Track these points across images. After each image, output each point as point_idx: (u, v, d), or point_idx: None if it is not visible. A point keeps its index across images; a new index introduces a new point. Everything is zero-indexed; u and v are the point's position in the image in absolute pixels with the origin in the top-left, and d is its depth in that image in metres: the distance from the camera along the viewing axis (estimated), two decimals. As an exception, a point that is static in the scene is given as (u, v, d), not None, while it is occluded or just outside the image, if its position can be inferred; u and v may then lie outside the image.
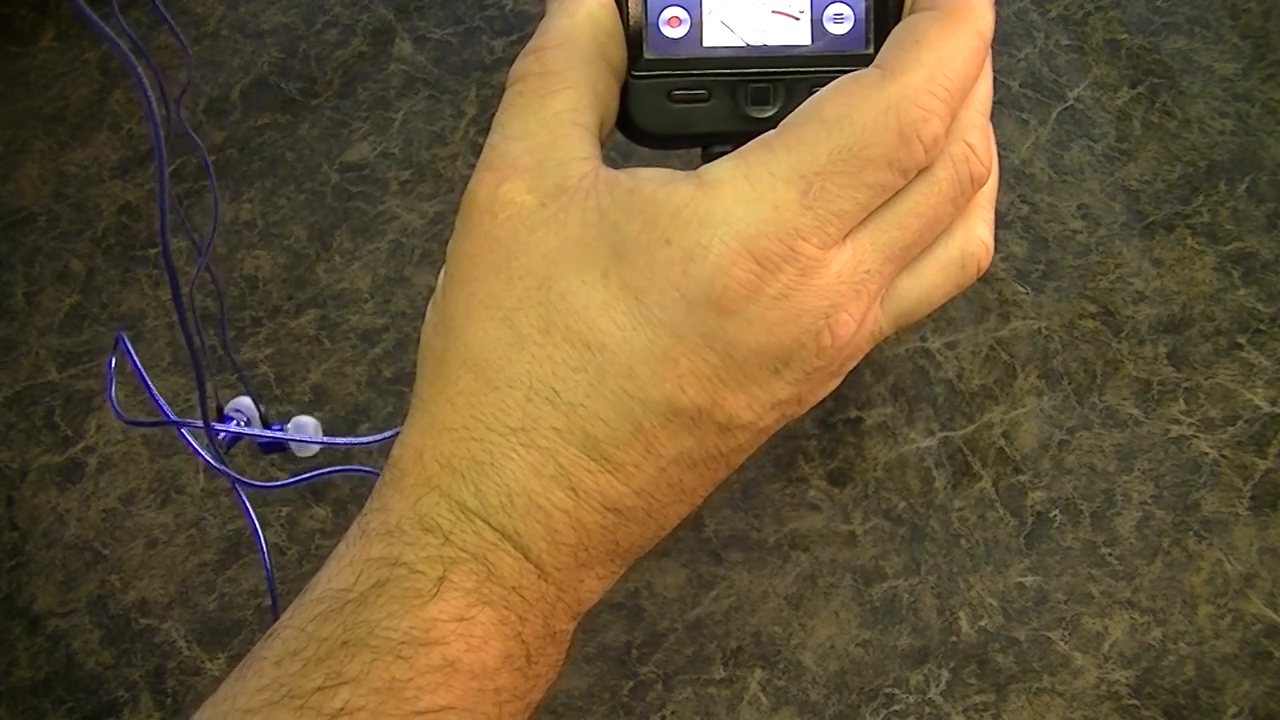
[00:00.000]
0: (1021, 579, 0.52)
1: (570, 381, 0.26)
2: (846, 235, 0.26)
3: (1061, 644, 0.50)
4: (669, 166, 0.28)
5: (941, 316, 0.59)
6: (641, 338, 0.26)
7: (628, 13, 0.30)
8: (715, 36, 0.31)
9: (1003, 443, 0.56)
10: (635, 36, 0.30)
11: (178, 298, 0.32)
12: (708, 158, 0.30)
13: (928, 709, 0.49)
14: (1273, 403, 0.57)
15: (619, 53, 0.29)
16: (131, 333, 0.61)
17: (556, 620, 0.27)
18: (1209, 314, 0.59)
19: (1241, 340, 0.58)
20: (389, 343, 0.59)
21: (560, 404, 0.27)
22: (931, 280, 0.28)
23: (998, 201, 0.66)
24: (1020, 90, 0.67)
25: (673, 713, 0.52)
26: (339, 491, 0.56)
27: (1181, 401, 0.57)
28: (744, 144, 0.27)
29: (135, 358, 0.39)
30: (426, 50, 0.69)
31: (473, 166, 0.55)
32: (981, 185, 0.28)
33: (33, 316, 0.61)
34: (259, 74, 0.69)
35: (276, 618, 0.28)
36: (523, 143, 0.28)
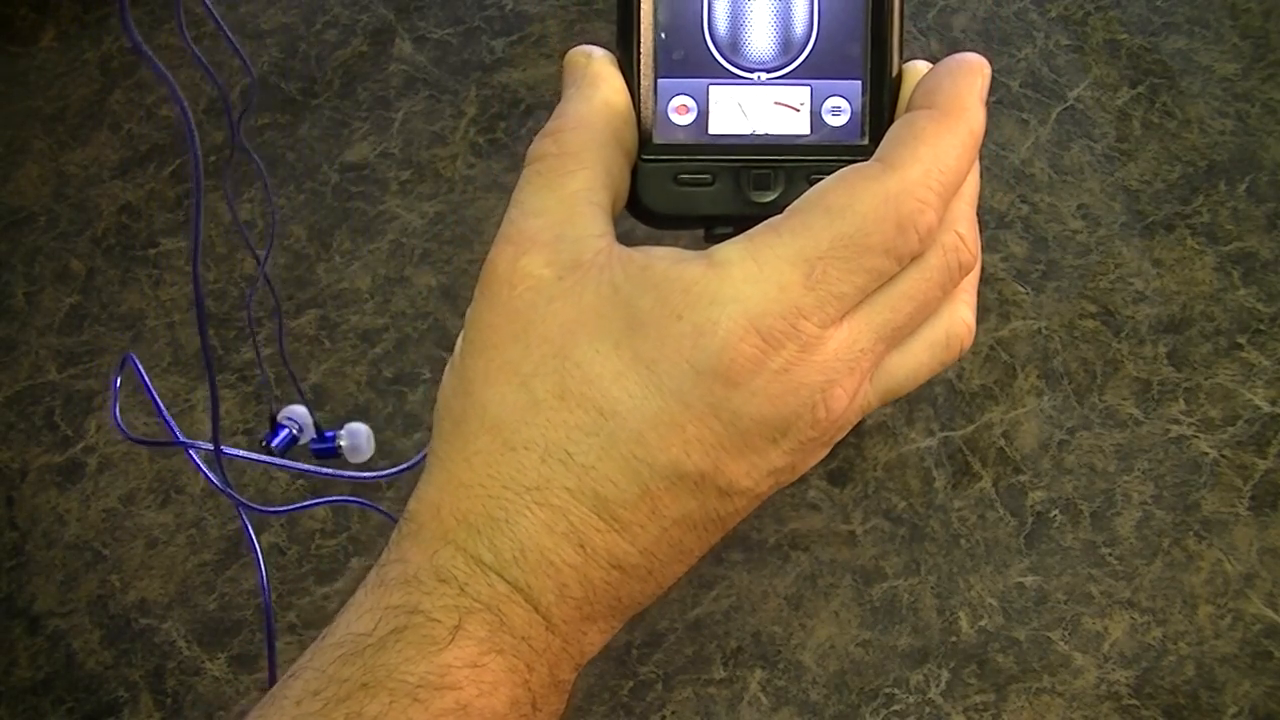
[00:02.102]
0: (1021, 579, 0.52)
1: (583, 444, 0.28)
2: (844, 316, 0.28)
3: (1061, 644, 0.50)
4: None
5: (941, 316, 0.59)
6: (652, 405, 0.28)
7: (639, 100, 0.32)
8: (721, 124, 0.33)
9: (1003, 443, 0.56)
10: (645, 122, 0.32)
11: (203, 330, 0.32)
12: (711, 239, 0.31)
13: (928, 709, 0.49)
14: (1273, 403, 0.57)
15: (631, 136, 0.31)
16: (131, 333, 0.61)
17: (561, 670, 0.29)
18: (1209, 314, 0.59)
19: (1241, 340, 0.58)
20: (389, 343, 0.59)
21: (573, 465, 0.28)
22: (918, 358, 0.30)
23: (998, 202, 0.66)
24: (1020, 90, 0.67)
25: (673, 713, 0.52)
26: (339, 492, 0.56)
27: (1181, 401, 0.57)
28: (745, 227, 0.29)
29: (147, 379, 0.39)
30: (426, 50, 0.69)
31: (472, 166, 0.57)
32: (969, 272, 0.30)
33: (33, 316, 0.61)
34: (259, 74, 0.69)
35: (270, 637, 0.29)
36: (541, 219, 0.30)
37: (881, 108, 0.32)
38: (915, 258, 0.28)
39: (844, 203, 0.27)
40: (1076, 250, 0.62)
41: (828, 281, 0.27)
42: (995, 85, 0.67)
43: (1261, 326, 0.59)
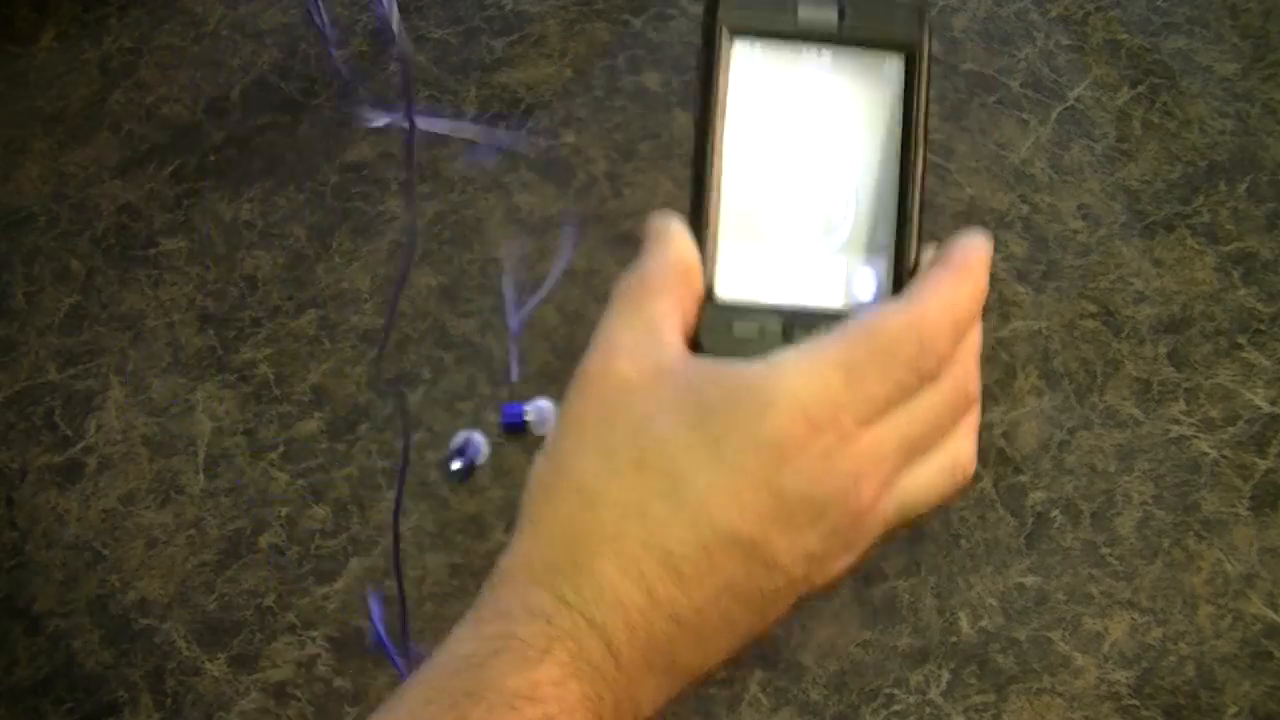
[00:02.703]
0: (1021, 579, 0.52)
1: (656, 505, 0.34)
2: (874, 421, 0.33)
3: (1061, 644, 0.50)
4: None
5: (941, 316, 0.59)
6: (716, 474, 0.33)
7: (705, 262, 0.38)
8: (770, 289, 0.38)
9: (1003, 443, 0.56)
10: (708, 279, 0.39)
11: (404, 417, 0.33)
12: None
13: (928, 709, 0.49)
14: (1273, 403, 0.57)
15: (698, 281, 0.38)
16: (131, 333, 0.61)
17: (623, 712, 0.33)
18: (1209, 314, 0.59)
19: (1241, 340, 0.58)
20: (389, 343, 0.59)
21: (647, 522, 0.34)
22: (929, 479, 0.35)
23: (998, 202, 0.66)
24: (1020, 90, 0.67)
25: (673, 713, 0.52)
26: (339, 492, 0.56)
27: (1181, 401, 0.57)
28: None
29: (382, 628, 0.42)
30: (426, 50, 0.69)
31: (473, 167, 0.58)
32: (973, 403, 0.35)
33: (33, 316, 0.61)
34: (259, 74, 0.69)
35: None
36: (626, 334, 0.36)
37: (903, 282, 0.38)
38: (931, 381, 0.33)
39: (879, 325, 0.33)
40: (1076, 250, 0.62)
41: (863, 384, 0.33)
42: (995, 85, 0.67)
43: (1261, 326, 0.59)
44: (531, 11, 0.71)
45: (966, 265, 0.34)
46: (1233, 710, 0.49)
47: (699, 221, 0.38)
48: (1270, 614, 0.51)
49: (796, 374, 0.33)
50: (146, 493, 0.56)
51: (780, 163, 0.39)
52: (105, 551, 0.55)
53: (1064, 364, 0.58)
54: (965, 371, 0.34)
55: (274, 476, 0.56)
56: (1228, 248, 0.61)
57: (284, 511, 0.55)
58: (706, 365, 0.34)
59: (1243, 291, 0.60)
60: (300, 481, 0.56)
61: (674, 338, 0.35)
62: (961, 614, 0.51)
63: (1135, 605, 0.52)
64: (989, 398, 0.57)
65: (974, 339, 0.34)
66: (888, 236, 0.38)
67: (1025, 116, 0.66)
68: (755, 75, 0.40)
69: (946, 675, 0.50)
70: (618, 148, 0.66)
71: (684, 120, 0.67)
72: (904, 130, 0.38)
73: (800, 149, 0.38)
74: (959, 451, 0.34)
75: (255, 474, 0.56)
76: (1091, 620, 0.51)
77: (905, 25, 0.39)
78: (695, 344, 0.36)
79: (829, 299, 0.38)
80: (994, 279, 0.64)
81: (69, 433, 0.58)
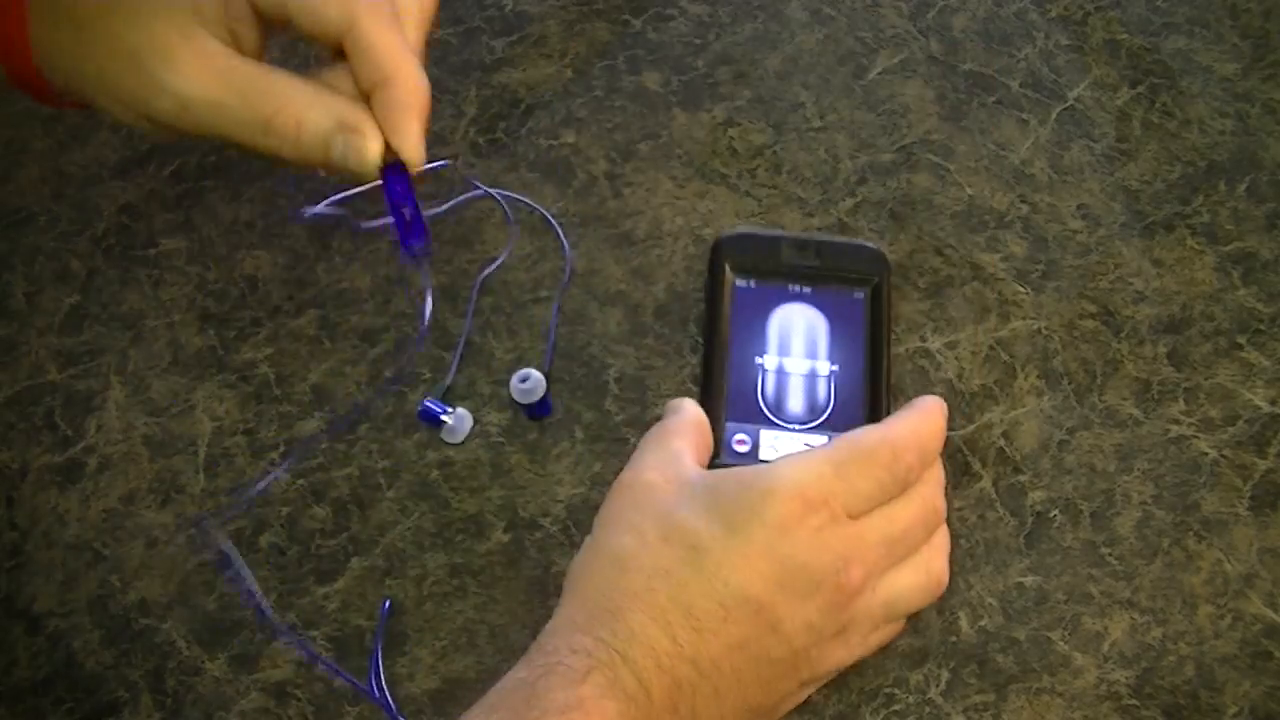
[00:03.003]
0: (1021, 579, 0.52)
1: (679, 569, 0.42)
2: (859, 515, 0.43)
3: (1061, 644, 0.50)
4: None
5: (942, 316, 0.59)
6: (730, 546, 0.41)
7: (714, 422, 0.50)
8: (767, 454, 0.50)
9: (1003, 443, 0.56)
10: (717, 446, 0.50)
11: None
12: None
13: (928, 709, 0.49)
14: (1273, 403, 0.57)
15: (709, 435, 0.49)
16: (131, 333, 0.61)
17: None
18: (1209, 314, 0.59)
19: (1241, 340, 0.58)
20: (389, 343, 0.60)
21: (671, 582, 0.41)
22: (910, 582, 0.45)
23: (998, 202, 0.66)
24: (1020, 90, 0.67)
25: None
26: (339, 491, 0.56)
27: (1181, 401, 0.57)
28: None
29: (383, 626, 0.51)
30: (426, 50, 0.69)
31: (472, 166, 0.59)
32: (940, 521, 0.46)
33: (33, 316, 0.61)
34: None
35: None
36: (652, 457, 0.47)
37: None
38: (904, 490, 0.44)
39: (860, 437, 0.44)
40: (1076, 250, 0.62)
41: (849, 477, 0.43)
42: (995, 85, 0.67)
43: (1261, 326, 0.59)
44: (531, 11, 0.71)
45: (927, 408, 0.47)
46: (1233, 710, 0.49)
47: (709, 406, 0.51)
48: (1270, 614, 0.51)
49: (794, 467, 0.43)
50: (147, 493, 0.56)
51: (772, 364, 0.52)
52: (105, 551, 0.55)
53: (1064, 364, 0.58)
54: (932, 493, 0.45)
55: (274, 476, 0.56)
56: (1228, 248, 0.61)
57: (284, 511, 0.56)
58: (720, 472, 0.44)
59: (1243, 291, 0.60)
60: (300, 481, 0.56)
61: (692, 464, 0.46)
62: (961, 614, 0.51)
63: (1135, 605, 0.52)
64: (989, 397, 0.57)
65: (937, 473, 0.47)
66: (861, 413, 0.52)
67: (1025, 116, 0.66)
68: (751, 301, 0.54)
69: (946, 675, 0.50)
70: (618, 148, 0.66)
71: (684, 120, 0.67)
72: (872, 338, 0.53)
73: (788, 353, 0.52)
74: (932, 563, 0.46)
75: (255, 474, 0.56)
76: (1091, 620, 0.51)
77: (869, 265, 0.55)
78: None
79: None
80: (994, 279, 0.65)
81: (69, 433, 0.58)
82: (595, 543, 0.44)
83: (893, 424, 0.45)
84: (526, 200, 0.63)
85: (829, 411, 0.51)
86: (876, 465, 0.43)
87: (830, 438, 0.49)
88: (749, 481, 0.43)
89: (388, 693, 0.51)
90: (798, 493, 0.41)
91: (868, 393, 0.52)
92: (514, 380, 0.57)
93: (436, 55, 0.69)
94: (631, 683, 0.39)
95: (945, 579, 0.46)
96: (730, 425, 0.51)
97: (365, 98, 0.41)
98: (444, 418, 0.56)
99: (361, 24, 0.40)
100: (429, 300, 0.55)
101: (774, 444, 0.50)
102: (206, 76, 0.40)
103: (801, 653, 0.42)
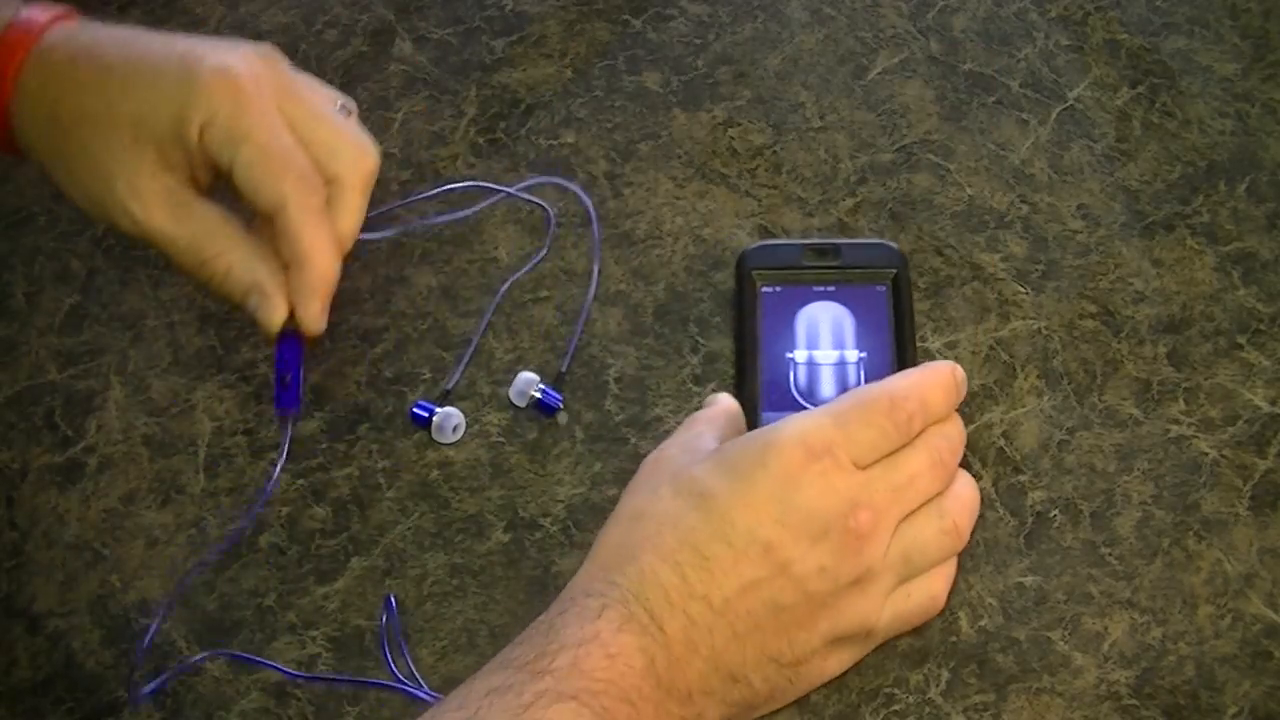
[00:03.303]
0: (1021, 579, 0.52)
1: (689, 516, 0.43)
2: (863, 463, 0.44)
3: (1061, 644, 0.50)
4: None
5: (941, 316, 0.59)
6: (736, 489, 0.43)
7: (750, 412, 0.53)
8: None
9: (1003, 443, 0.56)
10: (751, 423, 0.52)
11: None
12: None
13: (928, 709, 0.49)
14: (1273, 403, 0.57)
15: (741, 422, 0.52)
16: (131, 333, 0.61)
17: (675, 685, 0.42)
18: (1209, 314, 0.59)
19: (1241, 340, 0.58)
20: (389, 343, 0.60)
21: (680, 527, 0.43)
22: (924, 531, 0.46)
23: (998, 202, 0.66)
24: (1020, 90, 0.67)
25: None
26: (339, 491, 0.56)
27: (1181, 401, 0.57)
28: None
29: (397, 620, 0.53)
30: (426, 50, 0.69)
31: (472, 166, 0.61)
32: (947, 473, 0.47)
33: (33, 316, 0.61)
34: (259, 74, 0.69)
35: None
36: (678, 437, 0.50)
37: None
38: (907, 438, 0.45)
39: (858, 390, 0.46)
40: (1076, 250, 0.62)
41: (850, 426, 0.44)
42: (995, 85, 0.67)
43: (1261, 326, 0.59)
44: (531, 11, 0.71)
45: (934, 366, 0.48)
46: (1233, 710, 0.49)
47: (743, 395, 0.54)
48: (1270, 614, 0.51)
49: (796, 421, 0.45)
50: (147, 493, 0.56)
51: (802, 357, 0.55)
52: (105, 551, 0.55)
53: (1064, 364, 0.58)
54: (941, 445, 0.46)
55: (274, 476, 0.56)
56: (1227, 248, 0.61)
57: (284, 511, 0.56)
58: (728, 441, 0.47)
59: (1243, 291, 0.60)
60: (300, 481, 0.56)
61: (712, 440, 0.48)
62: (961, 614, 0.51)
63: (1135, 605, 0.52)
64: (989, 397, 0.57)
65: (949, 428, 0.47)
66: None
67: (1025, 116, 0.66)
68: (778, 304, 0.57)
69: (946, 675, 0.50)
70: (618, 148, 0.66)
71: (684, 120, 0.67)
72: (896, 328, 0.56)
73: (816, 346, 0.55)
74: (948, 513, 0.46)
75: (255, 474, 0.56)
76: (1091, 620, 0.51)
77: (887, 259, 0.58)
78: None
79: None
80: (994, 279, 0.65)
81: (69, 433, 0.58)
82: (616, 510, 0.46)
83: (896, 378, 0.46)
84: (565, 183, 0.63)
85: None
86: (876, 413, 0.44)
87: None
88: (754, 437, 0.45)
89: (413, 667, 0.51)
90: (800, 441, 0.43)
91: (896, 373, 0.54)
92: (513, 384, 0.57)
93: (436, 55, 0.69)
94: (644, 617, 0.41)
95: (965, 532, 0.47)
96: (766, 415, 0.53)
97: (286, 277, 0.48)
98: (433, 416, 0.56)
99: (288, 211, 0.47)
100: (284, 450, 0.54)
101: None
102: (164, 213, 0.47)
103: (817, 599, 0.43)
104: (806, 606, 0.42)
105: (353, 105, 0.54)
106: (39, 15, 0.48)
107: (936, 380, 0.46)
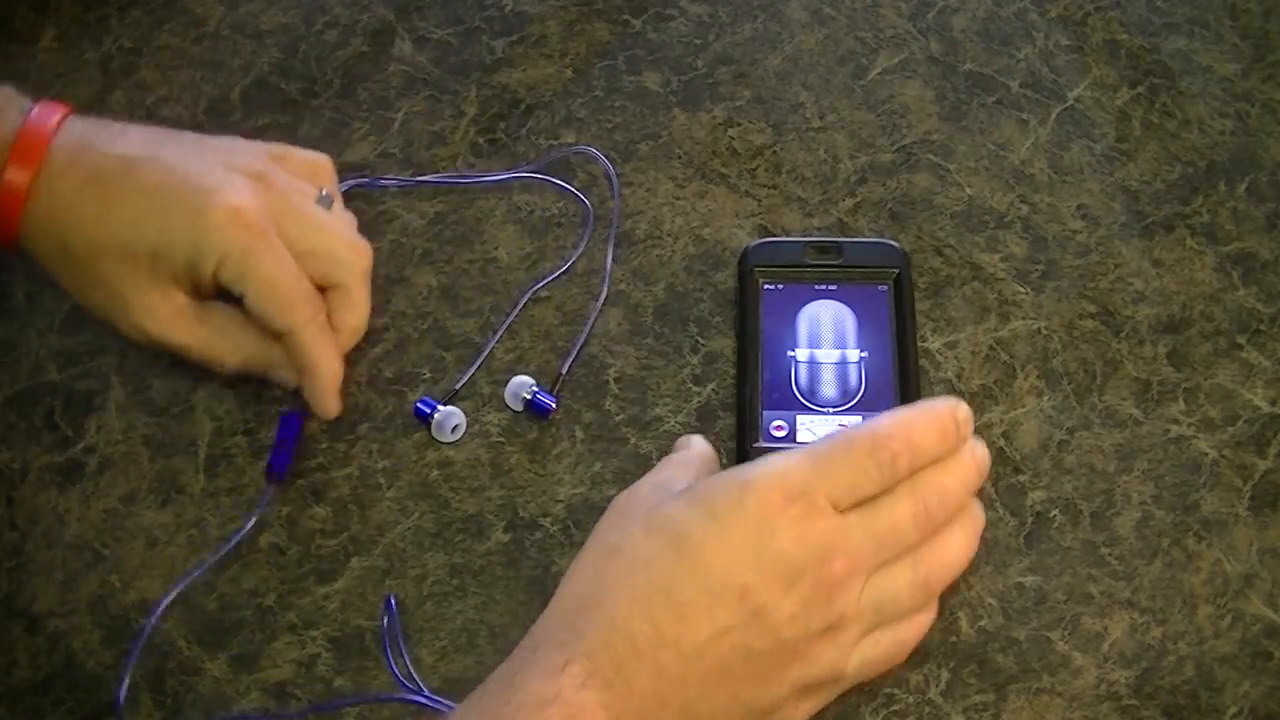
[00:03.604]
0: (1021, 579, 0.52)
1: (662, 557, 0.42)
2: (841, 507, 0.43)
3: (1061, 644, 0.50)
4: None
5: (941, 316, 0.59)
6: (710, 533, 0.42)
7: (752, 421, 0.54)
8: (805, 437, 0.53)
9: (1003, 443, 0.56)
10: (755, 432, 0.53)
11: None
12: None
13: (928, 709, 0.49)
14: (1273, 403, 0.57)
15: (714, 464, 0.51)
16: (131, 333, 0.60)
17: None
18: (1209, 314, 0.59)
19: (1241, 340, 0.58)
20: (389, 343, 0.60)
21: (653, 569, 0.42)
22: (898, 581, 0.45)
23: (998, 202, 0.66)
24: (1020, 90, 0.67)
25: None
26: (339, 491, 0.56)
27: (1181, 401, 0.57)
28: None
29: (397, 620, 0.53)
30: (426, 50, 0.70)
31: (472, 166, 0.60)
32: (932, 525, 0.45)
33: (33, 316, 0.61)
34: (259, 74, 0.69)
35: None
36: (649, 479, 0.48)
37: None
38: (891, 483, 0.43)
39: (843, 432, 0.44)
40: (1076, 250, 0.62)
41: (829, 468, 0.42)
42: (995, 85, 0.67)
43: (1261, 326, 0.59)
44: (531, 12, 0.71)
45: (928, 404, 0.46)
46: (1233, 710, 0.49)
47: (745, 393, 0.54)
48: (1270, 614, 0.51)
49: (774, 462, 0.43)
50: (147, 493, 0.56)
51: (804, 356, 0.55)
52: (105, 551, 0.55)
53: (1063, 364, 0.58)
54: (929, 493, 0.44)
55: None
56: (1227, 248, 0.61)
57: (284, 511, 0.56)
58: (705, 479, 0.45)
59: (1242, 292, 0.60)
60: (300, 481, 0.56)
61: (685, 484, 0.46)
62: (961, 614, 0.51)
63: (1135, 605, 0.52)
64: (989, 397, 0.57)
65: (944, 480, 0.45)
66: (890, 395, 0.54)
67: (1025, 116, 0.66)
68: (780, 302, 0.57)
69: (946, 675, 0.50)
70: (618, 148, 0.66)
71: (684, 120, 0.67)
72: (898, 328, 0.56)
73: (818, 345, 0.55)
74: (923, 565, 0.45)
75: (255, 474, 0.56)
76: (1091, 620, 0.51)
77: (889, 259, 0.58)
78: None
79: None
80: (994, 279, 0.65)
81: (69, 433, 0.58)
82: (585, 547, 0.45)
83: (883, 417, 0.44)
84: (564, 184, 0.63)
85: (861, 394, 0.54)
86: (857, 454, 0.42)
87: (864, 418, 0.51)
88: (731, 476, 0.43)
89: (412, 669, 0.51)
90: (777, 483, 0.42)
91: (897, 374, 0.54)
92: (509, 387, 0.57)
93: (436, 55, 0.69)
94: (610, 670, 0.40)
95: (935, 590, 0.46)
96: (767, 414, 0.53)
97: (298, 375, 0.55)
98: (434, 414, 0.56)
99: (295, 334, 0.52)
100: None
101: (810, 427, 0.53)
102: (178, 326, 0.53)
103: (789, 646, 0.42)
104: (779, 654, 0.42)
105: (332, 191, 0.58)
106: (28, 157, 0.50)
107: (929, 420, 0.44)
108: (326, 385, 0.54)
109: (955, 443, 0.44)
